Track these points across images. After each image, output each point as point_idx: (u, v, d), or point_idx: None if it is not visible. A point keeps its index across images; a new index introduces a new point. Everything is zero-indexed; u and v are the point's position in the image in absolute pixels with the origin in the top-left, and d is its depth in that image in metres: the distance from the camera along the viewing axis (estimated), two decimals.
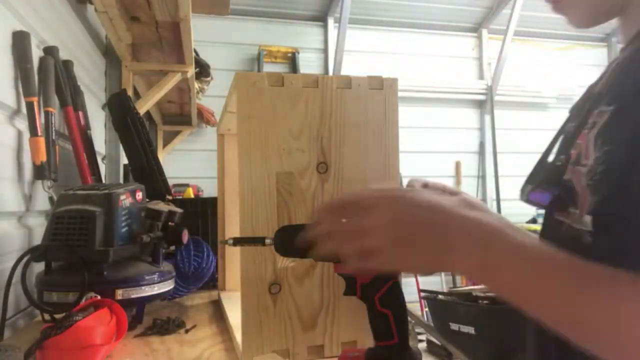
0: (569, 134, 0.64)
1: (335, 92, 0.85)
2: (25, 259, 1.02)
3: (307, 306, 0.83)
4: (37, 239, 1.33)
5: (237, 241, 0.73)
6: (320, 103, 0.84)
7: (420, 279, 4.35)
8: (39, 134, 1.29)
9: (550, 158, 0.66)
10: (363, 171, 0.86)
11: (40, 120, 1.31)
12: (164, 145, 4.03)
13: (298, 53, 4.41)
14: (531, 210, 4.61)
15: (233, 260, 1.42)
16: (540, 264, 0.44)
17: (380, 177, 0.88)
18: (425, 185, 0.83)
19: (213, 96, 3.68)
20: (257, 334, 0.81)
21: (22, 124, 1.32)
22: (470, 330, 2.77)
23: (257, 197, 0.80)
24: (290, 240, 0.64)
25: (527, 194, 0.66)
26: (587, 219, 0.51)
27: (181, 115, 3.86)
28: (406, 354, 0.65)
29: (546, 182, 0.64)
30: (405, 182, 3.99)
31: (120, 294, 1.02)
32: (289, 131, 0.83)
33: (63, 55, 1.60)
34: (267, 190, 0.81)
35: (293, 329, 0.82)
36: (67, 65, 1.66)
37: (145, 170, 1.53)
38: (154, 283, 1.08)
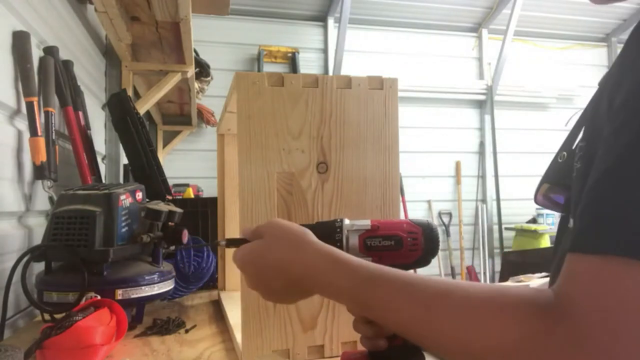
0: (573, 129, 0.63)
1: (335, 92, 0.85)
2: (25, 259, 1.02)
3: (307, 306, 0.83)
4: (37, 239, 1.33)
5: (231, 242, 0.67)
6: (320, 103, 0.84)
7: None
8: (39, 134, 1.29)
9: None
10: (363, 171, 0.86)
11: (40, 120, 1.31)
12: (164, 145, 4.03)
13: (298, 53, 4.41)
14: (531, 210, 4.62)
15: None
16: (373, 280, 0.51)
17: (380, 177, 0.88)
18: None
19: (213, 96, 3.68)
20: (257, 334, 0.81)
21: (22, 124, 1.32)
22: None
23: (257, 197, 0.80)
24: None
25: (548, 195, 0.64)
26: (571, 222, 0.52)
27: (181, 115, 3.86)
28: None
29: (562, 182, 0.63)
30: (404, 181, 3.93)
31: (120, 294, 1.02)
32: (289, 131, 0.83)
33: (63, 55, 1.60)
34: (267, 190, 0.81)
35: (293, 329, 0.82)
36: (67, 65, 1.66)
37: (145, 170, 1.53)
38: (154, 283, 1.08)
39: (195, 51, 2.81)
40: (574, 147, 0.59)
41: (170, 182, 1.86)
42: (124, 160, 2.23)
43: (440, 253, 4.67)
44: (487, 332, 0.41)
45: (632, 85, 0.41)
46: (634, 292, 0.35)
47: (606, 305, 0.36)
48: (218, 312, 1.24)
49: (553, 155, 0.65)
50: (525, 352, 0.38)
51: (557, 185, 0.63)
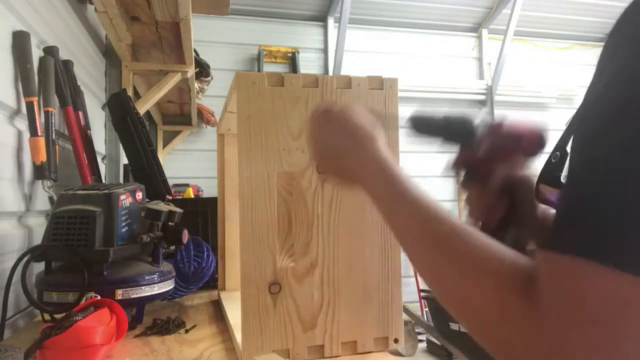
0: (566, 129, 0.64)
1: (335, 92, 0.85)
2: (25, 259, 1.02)
3: (307, 306, 0.83)
4: (37, 239, 1.33)
5: None
6: (321, 102, 0.84)
7: (420, 278, 4.34)
8: (39, 134, 1.29)
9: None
10: None
11: (40, 120, 1.31)
12: (164, 145, 4.03)
13: (298, 53, 4.41)
14: None
15: (233, 260, 1.42)
16: (397, 194, 0.58)
17: None
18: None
19: (213, 96, 3.68)
20: (257, 334, 0.80)
21: (22, 124, 1.32)
22: None
23: (257, 197, 0.80)
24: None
25: (543, 194, 0.66)
26: None
27: (181, 115, 3.86)
28: None
29: (556, 182, 0.64)
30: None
31: (120, 294, 1.02)
32: (289, 131, 0.83)
33: (63, 55, 1.60)
34: (267, 190, 0.81)
35: (293, 329, 0.82)
36: (67, 65, 1.66)
37: (145, 170, 1.53)
38: (154, 283, 1.08)
39: (195, 51, 2.81)
40: (567, 147, 0.60)
41: (170, 182, 1.86)
42: (124, 160, 2.23)
43: None
44: (469, 291, 0.44)
45: (605, 83, 0.43)
46: (584, 293, 0.37)
47: (565, 299, 0.38)
48: (218, 312, 1.24)
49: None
50: (495, 319, 0.42)
51: (551, 185, 0.65)
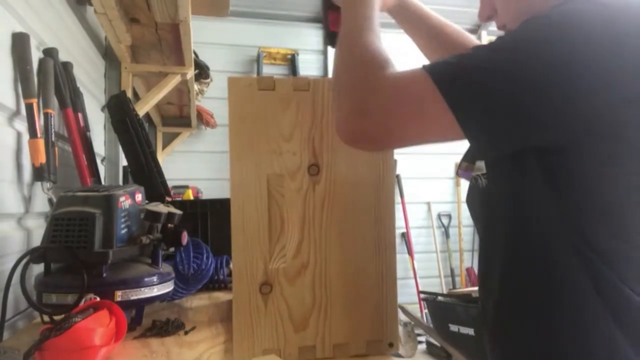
0: None
1: (327, 94, 0.86)
2: (25, 260, 1.02)
3: (298, 307, 0.84)
4: (37, 241, 1.34)
5: None
6: (312, 105, 0.85)
7: (419, 280, 4.35)
8: (39, 135, 1.30)
9: None
10: (355, 173, 0.87)
11: (39, 122, 1.32)
12: (164, 147, 4.04)
13: (297, 55, 4.42)
14: None
15: None
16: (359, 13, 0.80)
17: (373, 178, 0.88)
18: None
19: (212, 98, 3.69)
20: (248, 333, 0.81)
21: (22, 126, 1.33)
22: (470, 331, 2.78)
23: (249, 199, 0.81)
24: None
25: (465, 170, 0.77)
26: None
27: (180, 116, 3.87)
28: None
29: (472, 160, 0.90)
30: (404, 183, 3.96)
31: (119, 295, 1.02)
32: (281, 133, 0.83)
33: (62, 56, 1.61)
34: (258, 192, 0.82)
35: (284, 330, 0.83)
36: (67, 66, 1.66)
37: (145, 171, 1.53)
38: (153, 285, 1.09)
39: (195, 53, 2.82)
40: None
41: (170, 183, 1.87)
42: (124, 162, 2.23)
43: (439, 255, 4.68)
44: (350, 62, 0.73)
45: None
46: (413, 88, 0.65)
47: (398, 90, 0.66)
48: (217, 314, 1.25)
49: None
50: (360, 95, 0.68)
51: (472, 163, 0.89)
